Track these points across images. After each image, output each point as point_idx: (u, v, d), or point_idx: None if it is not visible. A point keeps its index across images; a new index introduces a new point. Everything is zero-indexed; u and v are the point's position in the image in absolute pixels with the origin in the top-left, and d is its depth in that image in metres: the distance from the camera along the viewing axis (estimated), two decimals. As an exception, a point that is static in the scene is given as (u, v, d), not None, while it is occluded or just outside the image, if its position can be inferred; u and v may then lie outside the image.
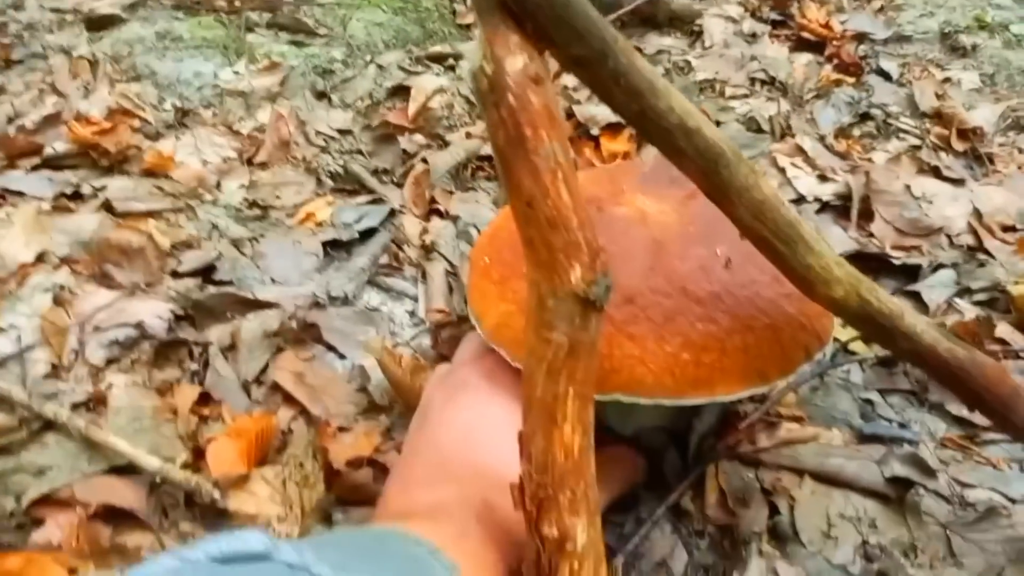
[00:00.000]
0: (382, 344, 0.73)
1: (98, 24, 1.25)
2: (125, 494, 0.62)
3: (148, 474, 0.64)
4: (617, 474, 0.60)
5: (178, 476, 0.62)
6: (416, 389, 0.70)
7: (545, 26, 0.43)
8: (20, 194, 0.92)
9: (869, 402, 0.73)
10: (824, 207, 0.97)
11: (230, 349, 0.76)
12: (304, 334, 0.78)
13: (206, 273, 0.83)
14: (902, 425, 0.71)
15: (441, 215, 0.98)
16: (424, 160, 1.03)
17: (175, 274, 0.82)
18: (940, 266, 0.88)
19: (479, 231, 0.95)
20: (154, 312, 0.77)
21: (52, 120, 1.02)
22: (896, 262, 0.87)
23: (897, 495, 0.64)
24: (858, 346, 0.77)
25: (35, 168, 0.97)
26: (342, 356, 0.78)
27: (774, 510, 0.63)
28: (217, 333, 0.77)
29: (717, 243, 0.54)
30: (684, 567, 0.61)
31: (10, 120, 1.03)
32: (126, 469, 0.64)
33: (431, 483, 0.52)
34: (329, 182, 1.01)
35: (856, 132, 1.11)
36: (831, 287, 0.49)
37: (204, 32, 1.22)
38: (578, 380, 0.43)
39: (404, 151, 1.06)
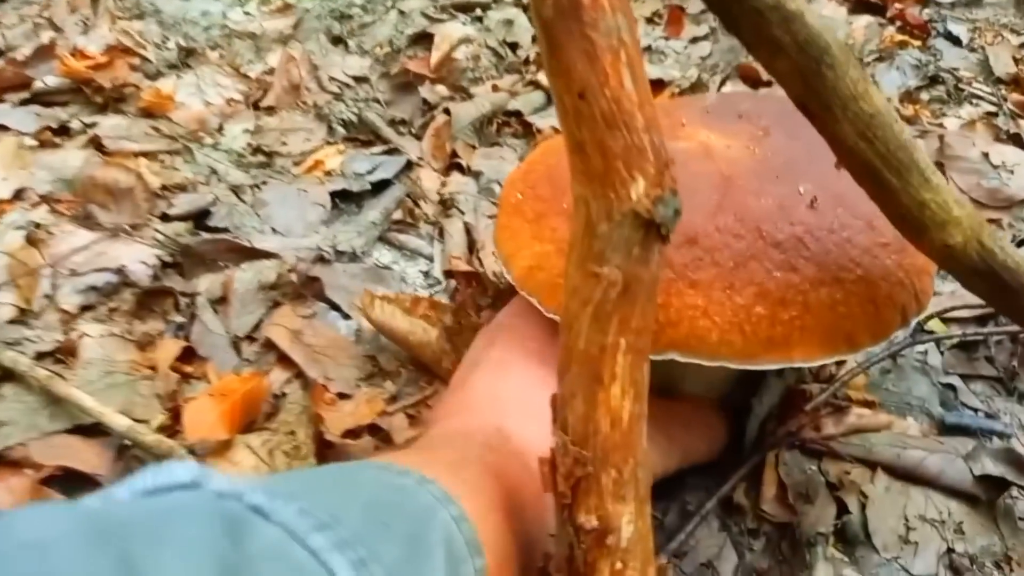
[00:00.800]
0: (371, 298, 0.64)
1: (103, -40, 1.16)
2: (88, 457, 0.54)
3: (116, 435, 0.56)
4: (695, 438, 0.52)
5: (149, 439, 0.54)
6: (419, 331, 0.61)
7: None
8: (4, 128, 0.84)
9: (950, 388, 0.63)
10: (890, 174, 0.87)
11: (220, 302, 0.67)
12: (305, 289, 0.69)
13: (199, 218, 0.75)
14: (990, 415, 0.61)
15: (462, 170, 0.89)
16: (446, 111, 0.94)
17: (164, 217, 0.74)
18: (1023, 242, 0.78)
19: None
20: (138, 257, 0.69)
21: (45, 53, 0.94)
22: (975, 235, 0.76)
23: (988, 497, 0.54)
24: (935, 325, 0.67)
25: (23, 103, 0.89)
26: (346, 316, 0.69)
27: (842, 508, 0.54)
28: (207, 283, 0.68)
29: (800, 181, 0.44)
30: (734, 570, 0.52)
31: (0, 53, 0.95)
32: (92, 430, 0.56)
33: (447, 416, 0.46)
34: (341, 130, 0.92)
35: (924, 96, 1.00)
36: (948, 231, 0.39)
37: (215, -29, 1.14)
38: (632, 329, 0.34)
39: (424, 101, 0.97)
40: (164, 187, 0.77)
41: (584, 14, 0.32)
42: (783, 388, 0.57)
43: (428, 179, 0.87)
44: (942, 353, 0.66)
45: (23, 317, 0.63)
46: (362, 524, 0.30)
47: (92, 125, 0.85)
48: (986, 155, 0.87)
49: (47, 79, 0.90)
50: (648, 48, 1.18)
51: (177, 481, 0.28)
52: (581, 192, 0.33)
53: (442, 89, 1.00)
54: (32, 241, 0.69)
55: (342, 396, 0.62)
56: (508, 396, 0.46)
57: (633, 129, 0.32)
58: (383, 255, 0.78)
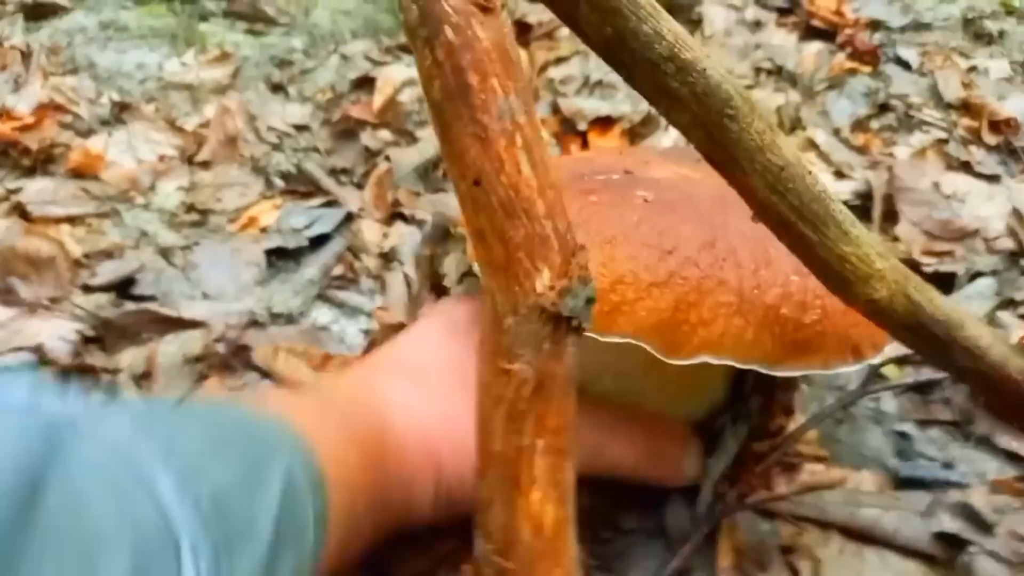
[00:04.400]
0: (273, 350, 0.62)
1: (38, 13, 1.13)
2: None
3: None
4: (667, 451, 0.52)
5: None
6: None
7: None
8: (-78, 198, 0.80)
9: (905, 436, 0.61)
10: (842, 207, 0.85)
11: (144, 377, 0.64)
12: (234, 359, 0.66)
13: (123, 287, 0.72)
14: (946, 465, 0.58)
15: (405, 219, 0.86)
16: (387, 158, 0.92)
17: (86, 288, 0.71)
18: (978, 274, 0.76)
19: (449, 237, 0.83)
20: (57, 333, 0.65)
21: (-30, 114, 0.91)
22: (927, 270, 0.75)
23: (946, 556, 0.52)
24: (890, 371, 0.65)
25: (-55, 168, 0.85)
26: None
27: (796, 574, 0.51)
28: (130, 358, 0.65)
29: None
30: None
31: (-77, 117, 0.92)
32: None
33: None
34: (280, 183, 0.89)
35: (874, 125, 0.99)
36: (871, 285, 0.37)
37: (152, 21, 1.11)
38: (549, 428, 0.31)
39: (367, 148, 0.94)
40: (87, 255, 0.73)
41: (473, 97, 0.29)
42: (737, 447, 0.55)
43: (369, 230, 0.84)
44: (896, 398, 0.63)
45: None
46: (199, 441, 0.31)
47: (16, 191, 0.81)
48: (937, 185, 0.85)
49: (-29, 141, 0.87)
50: (599, 82, 1.17)
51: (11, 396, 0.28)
52: (487, 283, 0.31)
53: (385, 134, 0.97)
54: (-57, 321, 0.65)
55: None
56: (386, 360, 0.49)
57: (534, 217, 0.30)
58: (322, 314, 0.75)
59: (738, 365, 0.43)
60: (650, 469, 0.51)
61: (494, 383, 0.31)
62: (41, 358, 0.64)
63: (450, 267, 0.72)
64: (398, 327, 0.66)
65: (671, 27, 0.33)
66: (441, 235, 0.77)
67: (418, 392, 0.45)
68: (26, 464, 0.24)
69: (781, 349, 0.42)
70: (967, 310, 0.41)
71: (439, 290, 0.71)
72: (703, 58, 0.34)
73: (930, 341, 0.39)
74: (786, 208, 0.36)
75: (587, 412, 0.48)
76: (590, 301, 0.30)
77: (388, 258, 0.80)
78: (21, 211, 0.79)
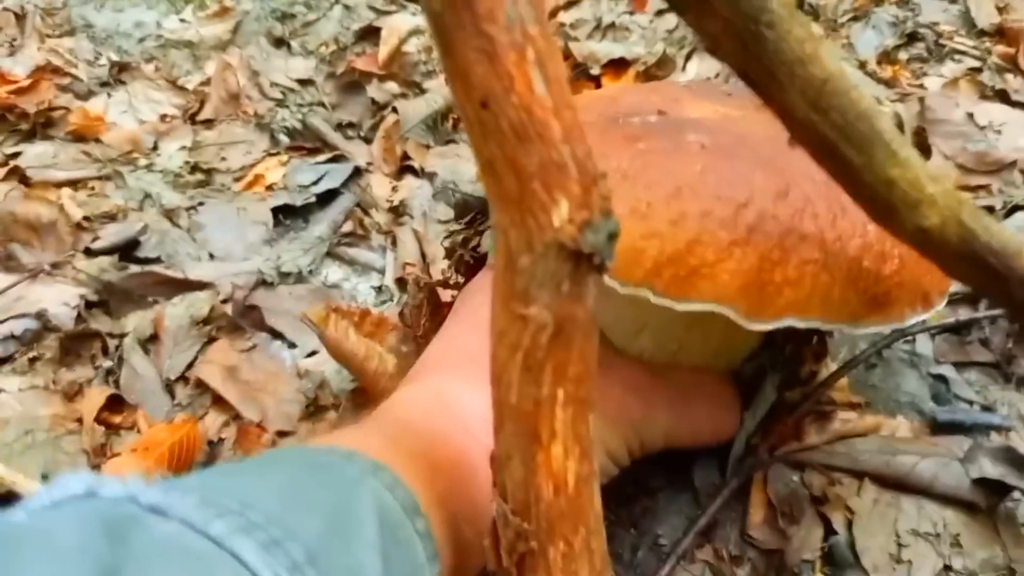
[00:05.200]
0: (327, 309, 0.58)
1: (32, -25, 1.11)
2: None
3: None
4: (706, 416, 0.49)
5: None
6: (373, 359, 0.57)
7: None
8: (-80, 166, 0.79)
9: (942, 379, 0.58)
10: (870, 144, 0.81)
11: (151, 341, 0.63)
12: (243, 320, 0.65)
13: (127, 250, 0.70)
14: (986, 408, 0.56)
15: (416, 172, 0.84)
16: (394, 110, 0.88)
17: (88, 252, 0.69)
18: (1016, 208, 0.72)
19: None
20: (60, 298, 0.64)
21: (-35, 79, 0.89)
22: (963, 205, 0.71)
23: (987, 503, 0.49)
24: (924, 311, 0.62)
25: (-57, 135, 0.84)
26: (292, 345, 0.64)
27: (830, 528, 0.49)
28: (135, 322, 0.64)
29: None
30: (714, 605, 0.47)
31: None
32: (6, 499, 0.52)
33: (404, 382, 0.46)
34: (285, 139, 0.86)
35: (903, 56, 0.94)
36: (921, 212, 0.34)
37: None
38: (570, 377, 0.29)
39: (373, 101, 0.91)
40: (89, 218, 0.72)
41: (478, 4, 0.26)
42: (772, 399, 0.52)
43: (379, 185, 0.81)
44: (932, 341, 0.60)
45: (-67, 374, 0.59)
46: (276, 505, 0.29)
47: (15, 155, 0.80)
48: (971, 116, 0.81)
49: (-34, 106, 0.85)
50: (612, 25, 1.12)
51: (71, 494, 0.27)
52: (499, 219, 0.28)
53: (392, 86, 0.94)
54: (-55, 289, 0.64)
55: (282, 434, 0.57)
56: (452, 360, 0.44)
57: (549, 141, 0.26)
58: (332, 272, 0.73)
59: (823, 327, 0.40)
60: (691, 436, 0.49)
61: (509, 329, 0.28)
62: (44, 324, 0.63)
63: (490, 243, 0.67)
64: (432, 286, 0.63)
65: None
66: (465, 213, 0.69)
67: (471, 390, 0.41)
68: (90, 554, 0.23)
69: (864, 306, 0.39)
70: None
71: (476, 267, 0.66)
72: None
73: (986, 273, 0.36)
74: (829, 127, 0.33)
75: (625, 381, 0.45)
76: (612, 236, 0.27)
77: (398, 212, 0.78)
78: (20, 176, 0.77)
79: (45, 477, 0.53)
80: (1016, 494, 0.49)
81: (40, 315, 0.62)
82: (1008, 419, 0.54)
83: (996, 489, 0.49)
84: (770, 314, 0.38)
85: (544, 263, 0.27)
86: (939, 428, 0.54)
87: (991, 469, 0.50)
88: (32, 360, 0.61)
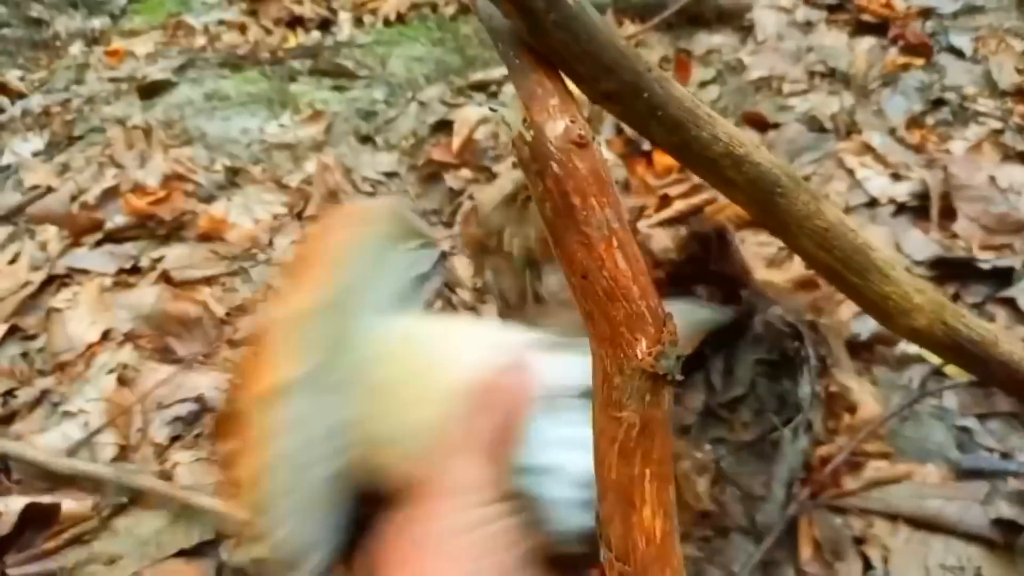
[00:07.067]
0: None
1: (150, 90, 1.28)
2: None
3: (214, 556, 0.64)
4: None
5: (239, 558, 0.62)
6: None
7: (572, 62, 0.40)
8: (85, 272, 0.94)
9: (966, 430, 0.67)
10: (900, 209, 0.90)
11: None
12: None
13: (261, 339, 0.83)
14: (1005, 455, 0.64)
15: (492, 253, 0.96)
16: (470, 197, 1.01)
17: (231, 342, 0.83)
18: (1036, 265, 0.80)
19: (532, 267, 0.92)
20: (213, 384, 0.78)
21: (111, 193, 1.05)
22: (985, 266, 0.79)
23: (1005, 540, 0.58)
24: (951, 369, 0.70)
25: (98, 244, 0.99)
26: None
27: (868, 563, 0.58)
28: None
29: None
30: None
31: (73, 198, 1.07)
32: (194, 552, 0.65)
33: None
34: (378, 229, 0.99)
35: (930, 120, 1.03)
36: (912, 317, 0.44)
37: (249, 87, 1.24)
38: (655, 460, 0.40)
39: (451, 189, 1.04)
40: (229, 312, 0.86)
41: (577, 214, 0.38)
42: (801, 452, 0.62)
43: (461, 266, 0.94)
44: (957, 394, 0.69)
45: (124, 454, 0.73)
46: None
47: (159, 259, 0.95)
48: (993, 179, 0.89)
49: (116, 218, 1.01)
50: (658, 98, 1.23)
51: None
52: (596, 349, 0.40)
53: (466, 173, 1.07)
54: (122, 381, 0.78)
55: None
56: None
57: (631, 299, 0.38)
58: (428, 348, 0.85)
59: None
60: None
61: (607, 428, 0.40)
62: (202, 406, 0.76)
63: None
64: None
65: (725, 130, 0.41)
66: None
67: None
68: None
69: None
70: (1001, 327, 0.47)
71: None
72: (753, 151, 0.41)
73: (969, 358, 0.46)
74: (834, 261, 0.43)
75: None
76: (679, 358, 0.39)
77: (481, 291, 0.90)
78: (166, 277, 0.92)
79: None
80: (1031, 531, 0.58)
81: (198, 399, 0.76)
82: (1023, 465, 0.63)
83: (1013, 528, 0.58)
84: None
85: (632, 382, 0.38)
86: (963, 474, 0.63)
87: (1007, 510, 0.58)
88: (196, 437, 0.74)
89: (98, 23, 1.98)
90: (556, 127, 0.37)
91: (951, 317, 0.45)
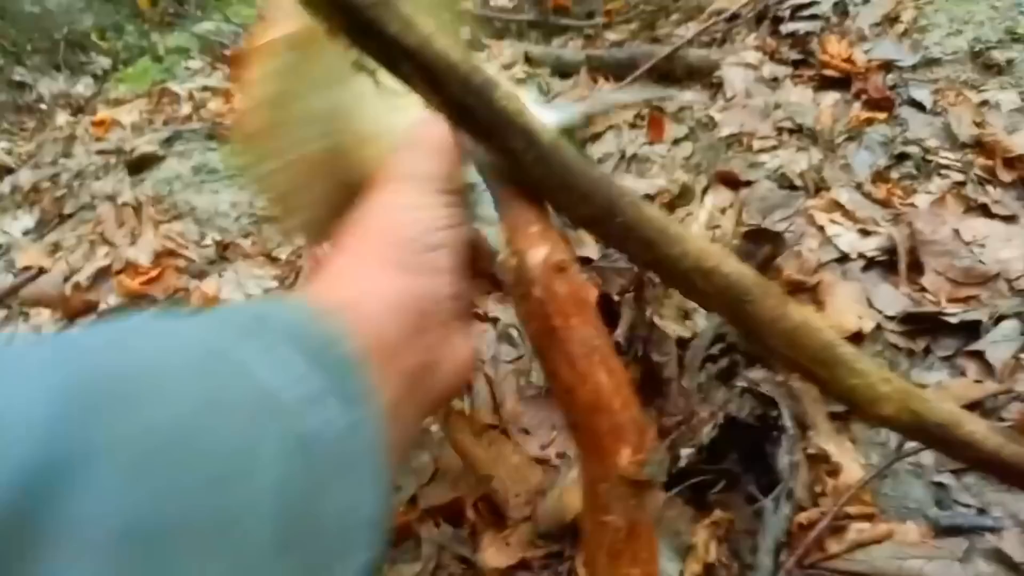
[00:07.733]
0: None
1: (138, 165, 1.31)
2: None
3: None
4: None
5: None
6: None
7: (551, 193, 0.44)
8: (80, 355, 0.96)
9: (942, 486, 0.69)
10: (870, 263, 0.93)
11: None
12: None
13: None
14: (981, 511, 0.67)
15: (480, 318, 0.98)
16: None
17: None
18: (1002, 317, 0.83)
19: (522, 332, 0.95)
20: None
21: (103, 273, 1.07)
22: (953, 320, 0.83)
23: (984, 597, 0.60)
24: (923, 425, 0.73)
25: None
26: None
27: (853, 628, 0.60)
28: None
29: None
30: None
31: (66, 279, 1.08)
32: None
33: None
34: (368, 300, 1.02)
35: (894, 174, 1.07)
36: (879, 406, 0.47)
37: (235, 160, 1.27)
38: (642, 560, 0.43)
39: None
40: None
41: (559, 333, 0.41)
42: (785, 519, 0.64)
43: None
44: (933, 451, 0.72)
45: None
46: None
47: (153, 339, 0.96)
48: (957, 232, 0.93)
49: (109, 299, 1.03)
50: (634, 156, 1.28)
51: None
52: (582, 459, 0.43)
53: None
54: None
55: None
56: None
57: (613, 411, 0.41)
58: (421, 418, 0.87)
59: None
60: None
61: (595, 531, 0.42)
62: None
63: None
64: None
65: (694, 246, 0.44)
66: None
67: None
68: None
69: None
70: (964, 411, 0.50)
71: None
72: (722, 262, 0.45)
73: (935, 439, 0.49)
74: (802, 358, 0.46)
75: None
76: (662, 463, 0.41)
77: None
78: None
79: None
80: (1009, 589, 0.60)
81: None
82: (1000, 520, 0.65)
83: (990, 585, 0.60)
84: None
85: (617, 489, 0.41)
86: (942, 531, 0.65)
87: (985, 568, 0.61)
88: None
89: (81, 86, 2.01)
90: (537, 254, 0.41)
91: (916, 403, 0.48)
